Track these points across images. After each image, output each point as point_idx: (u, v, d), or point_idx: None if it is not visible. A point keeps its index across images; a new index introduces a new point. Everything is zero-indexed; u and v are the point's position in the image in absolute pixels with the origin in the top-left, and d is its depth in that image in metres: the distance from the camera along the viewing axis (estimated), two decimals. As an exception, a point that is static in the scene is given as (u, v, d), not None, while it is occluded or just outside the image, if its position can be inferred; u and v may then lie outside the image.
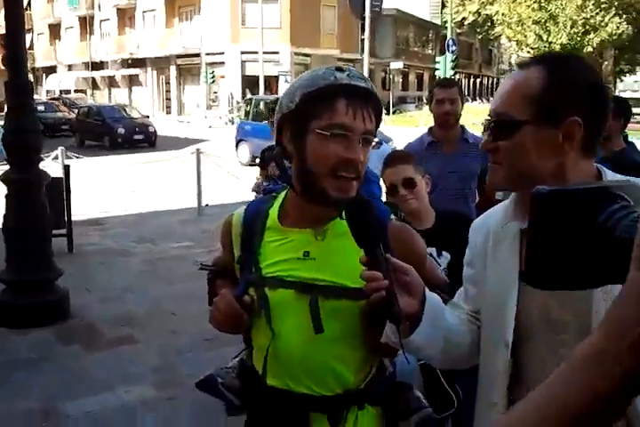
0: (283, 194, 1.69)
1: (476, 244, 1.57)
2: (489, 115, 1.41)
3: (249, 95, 31.49)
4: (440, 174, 3.63)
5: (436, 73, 28.44)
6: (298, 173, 1.54)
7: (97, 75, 49.45)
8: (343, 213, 1.45)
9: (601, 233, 0.69)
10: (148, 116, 27.18)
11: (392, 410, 1.67)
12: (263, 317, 1.57)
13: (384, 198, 4.27)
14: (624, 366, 0.57)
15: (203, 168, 10.61)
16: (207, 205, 10.45)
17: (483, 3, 35.56)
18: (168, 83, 43.86)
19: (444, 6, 42.49)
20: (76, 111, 26.35)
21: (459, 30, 42.42)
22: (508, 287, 1.41)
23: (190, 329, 5.14)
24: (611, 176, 1.37)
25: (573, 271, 0.73)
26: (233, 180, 11.22)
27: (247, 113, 18.62)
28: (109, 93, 49.46)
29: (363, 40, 34.27)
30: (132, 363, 4.57)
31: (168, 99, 44.20)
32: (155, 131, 24.06)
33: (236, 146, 17.69)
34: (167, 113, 42.90)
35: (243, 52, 36.57)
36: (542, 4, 33.10)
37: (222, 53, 37.24)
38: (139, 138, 23.55)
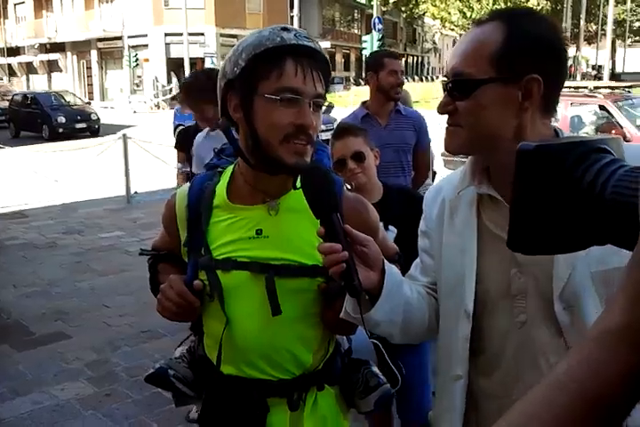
0: (230, 169, 1.58)
1: (431, 213, 1.53)
2: (445, 75, 1.35)
3: (174, 79, 30.88)
4: (376, 147, 3.62)
5: (363, 52, 28.51)
6: (248, 144, 1.45)
7: (13, 61, 47.51)
8: (297, 182, 1.40)
9: (591, 190, 0.65)
10: (89, 103, 25.33)
11: (350, 388, 1.65)
12: (216, 302, 1.48)
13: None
14: None
15: (131, 155, 10.31)
16: (136, 192, 10.19)
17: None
18: (89, 67, 42.50)
19: (368, -15, 42.55)
20: (9, 100, 23.87)
21: (383, 8, 42.58)
22: (467, 255, 1.39)
23: (125, 321, 5.00)
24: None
25: (561, 234, 0.69)
26: (163, 166, 10.97)
27: (186, 97, 18.03)
28: (27, 80, 47.59)
29: (292, 17, 33.99)
30: (65, 360, 4.40)
31: (90, 84, 42.87)
32: (98, 118, 22.01)
33: (174, 131, 17.15)
34: (90, 99, 41.56)
35: (167, 34, 35.70)
36: (465, -18, 33.65)
37: (145, 36, 36.28)
38: (81, 127, 21.39)
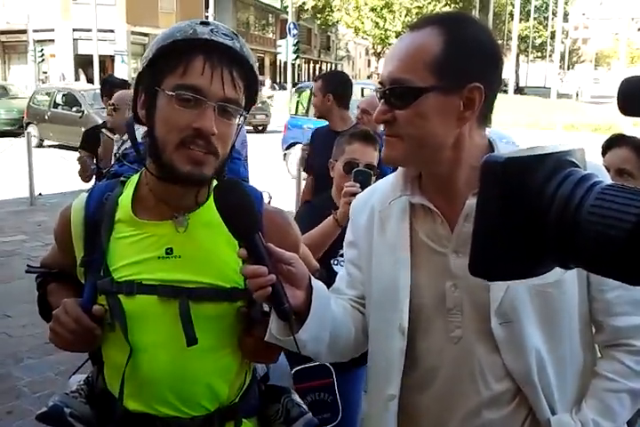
0: (135, 178, 1.42)
1: (358, 223, 1.47)
2: (380, 82, 1.27)
3: (82, 76, 29.86)
4: None
5: (278, 57, 28.55)
6: (147, 145, 1.31)
7: None
8: (210, 199, 1.29)
9: (566, 208, 0.60)
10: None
11: (269, 420, 1.52)
12: (118, 330, 1.32)
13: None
14: None
15: (36, 154, 9.82)
16: (41, 194, 9.71)
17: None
18: (-9, 61, 40.51)
19: (283, -10, 42.76)
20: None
21: (302, 16, 42.84)
22: (400, 268, 1.33)
23: (28, 332, 4.72)
24: (502, 148, 1.30)
25: (528, 256, 0.64)
26: (71, 166, 10.54)
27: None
28: None
29: (206, 18, 33.67)
30: (-39, 374, 4.11)
31: (-9, 78, 40.88)
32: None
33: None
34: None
35: (75, 30, 34.46)
36: (378, -8, 34.52)
37: (52, 30, 34.85)
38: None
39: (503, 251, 0.64)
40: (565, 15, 50.14)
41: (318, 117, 4.37)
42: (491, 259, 0.65)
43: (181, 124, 1.24)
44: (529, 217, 0.62)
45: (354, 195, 2.21)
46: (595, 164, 1.30)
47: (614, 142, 2.53)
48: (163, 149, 1.27)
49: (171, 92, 1.24)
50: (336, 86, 4.17)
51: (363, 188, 2.25)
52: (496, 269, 0.66)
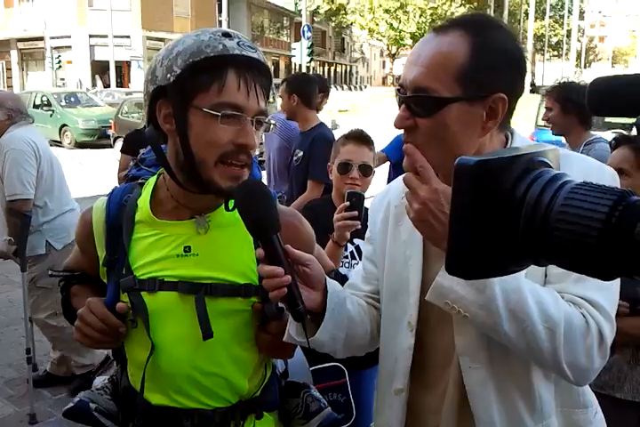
0: (152, 180, 1.46)
1: (376, 218, 1.48)
2: (400, 84, 1.24)
3: (99, 82, 30.14)
4: None
5: (293, 60, 28.62)
6: (179, 159, 1.32)
7: None
8: (229, 203, 1.33)
9: (536, 208, 0.61)
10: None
11: (289, 414, 1.55)
12: (141, 326, 1.36)
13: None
14: None
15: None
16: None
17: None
18: (9, 69, 40.98)
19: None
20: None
21: (316, 19, 42.92)
22: (412, 265, 1.34)
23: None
24: (519, 141, 1.28)
25: (502, 255, 0.65)
26: (85, 171, 10.64)
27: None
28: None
29: (220, 22, 33.83)
30: (-18, 378, 4.13)
31: (10, 86, 41.25)
32: None
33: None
34: (9, 100, 40.02)
35: (91, 36, 34.79)
36: (392, -6, 34.44)
37: (69, 37, 35.19)
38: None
39: (478, 251, 0.66)
40: (581, 13, 49.84)
41: (287, 119, 4.42)
42: (466, 258, 0.67)
43: (223, 140, 1.26)
44: (501, 217, 0.64)
45: (347, 218, 2.19)
46: (609, 171, 1.26)
47: (617, 143, 2.61)
48: (202, 165, 1.29)
49: (214, 112, 1.25)
50: (299, 87, 4.23)
51: (354, 209, 2.20)
52: (471, 268, 0.68)
